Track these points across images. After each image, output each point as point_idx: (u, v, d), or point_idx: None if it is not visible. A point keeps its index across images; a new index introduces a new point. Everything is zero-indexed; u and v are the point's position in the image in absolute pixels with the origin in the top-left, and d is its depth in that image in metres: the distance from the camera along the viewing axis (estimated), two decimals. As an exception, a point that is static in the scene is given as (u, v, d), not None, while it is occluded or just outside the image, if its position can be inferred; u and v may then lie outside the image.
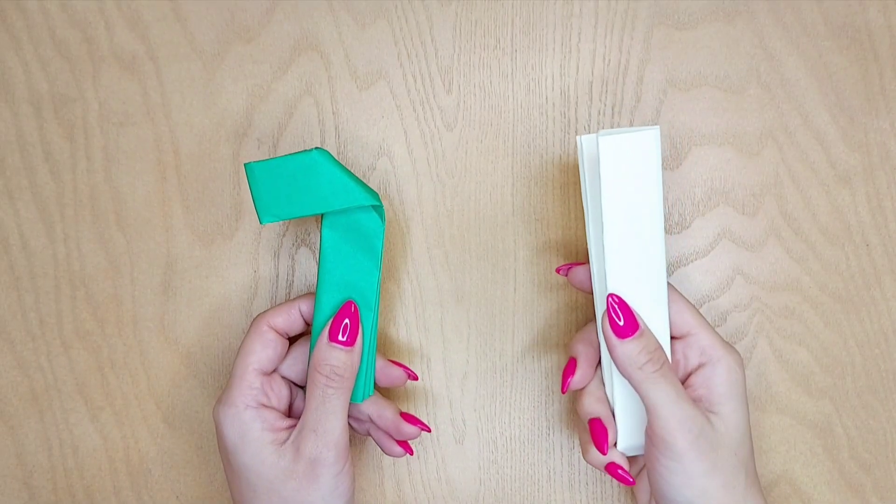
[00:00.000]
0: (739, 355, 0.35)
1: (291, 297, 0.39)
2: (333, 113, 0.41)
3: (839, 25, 0.41)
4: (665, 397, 0.32)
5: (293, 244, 0.41)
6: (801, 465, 0.41)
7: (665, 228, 0.33)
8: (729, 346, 0.35)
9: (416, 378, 0.38)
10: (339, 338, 0.34)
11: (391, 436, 0.37)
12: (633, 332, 0.32)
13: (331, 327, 0.34)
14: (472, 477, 0.41)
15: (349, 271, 0.34)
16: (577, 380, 0.35)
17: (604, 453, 0.34)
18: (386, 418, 0.37)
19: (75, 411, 0.41)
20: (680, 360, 0.35)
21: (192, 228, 0.41)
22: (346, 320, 0.34)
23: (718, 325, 0.41)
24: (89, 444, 0.41)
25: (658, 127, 0.32)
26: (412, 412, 0.41)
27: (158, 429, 0.41)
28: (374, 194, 0.34)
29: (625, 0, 0.41)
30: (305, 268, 0.41)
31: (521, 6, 0.41)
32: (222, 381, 0.41)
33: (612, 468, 0.34)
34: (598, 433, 0.34)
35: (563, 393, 0.36)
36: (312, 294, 0.36)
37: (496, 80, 0.41)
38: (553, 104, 0.41)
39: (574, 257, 0.41)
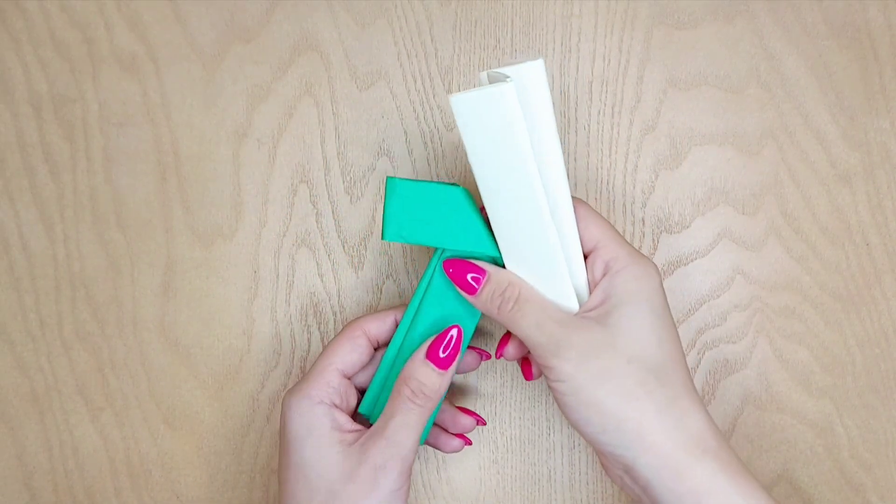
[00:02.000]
0: (654, 266, 0.33)
1: (384, 308, 0.39)
2: (333, 113, 0.41)
3: (839, 25, 0.41)
4: (527, 325, 0.32)
5: (293, 244, 0.41)
6: (801, 465, 0.41)
7: (566, 162, 0.33)
8: (640, 256, 0.33)
9: (483, 423, 0.38)
10: (440, 355, 0.33)
11: (446, 430, 0.37)
12: (479, 285, 0.33)
13: (431, 344, 0.33)
14: (472, 477, 0.41)
15: (450, 312, 0.34)
16: (510, 352, 0.36)
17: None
18: (443, 412, 0.37)
19: (76, 412, 0.41)
20: (588, 276, 0.34)
21: (192, 229, 0.41)
22: (450, 342, 0.33)
23: (718, 325, 0.41)
24: (90, 445, 0.41)
25: (539, 60, 0.30)
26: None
27: (159, 429, 0.41)
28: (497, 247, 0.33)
29: (625, 0, 0.41)
30: (305, 268, 0.41)
31: (521, 6, 0.41)
32: (222, 382, 0.41)
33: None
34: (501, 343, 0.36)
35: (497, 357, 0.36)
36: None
37: (496, 80, 0.41)
38: (553, 104, 0.41)
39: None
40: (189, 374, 0.41)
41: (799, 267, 0.41)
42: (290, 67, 0.41)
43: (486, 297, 0.33)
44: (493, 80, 0.31)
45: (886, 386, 0.41)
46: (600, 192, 0.41)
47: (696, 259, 0.41)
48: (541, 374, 0.35)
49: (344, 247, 0.41)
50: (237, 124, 0.41)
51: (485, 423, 0.38)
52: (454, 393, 0.42)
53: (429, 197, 0.32)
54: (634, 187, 0.41)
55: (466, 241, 0.33)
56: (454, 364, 0.33)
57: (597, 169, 0.41)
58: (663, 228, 0.41)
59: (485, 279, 0.33)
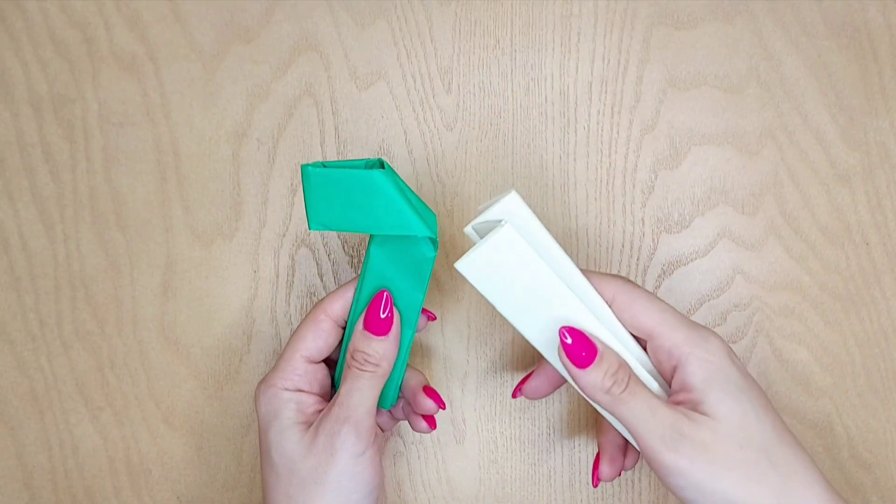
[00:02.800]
0: (718, 340, 0.32)
1: (341, 284, 0.38)
2: (333, 113, 0.41)
3: (839, 25, 0.41)
4: (638, 415, 0.31)
5: (293, 244, 0.41)
6: (802, 465, 0.41)
7: (577, 266, 0.33)
8: (699, 334, 0.32)
9: (443, 407, 0.37)
10: (378, 320, 0.33)
11: (412, 407, 0.37)
12: (592, 359, 0.31)
13: (366, 315, 0.33)
14: (472, 477, 0.41)
15: (392, 290, 0.34)
16: (605, 472, 0.36)
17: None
18: (408, 387, 0.37)
19: (75, 412, 0.41)
20: (655, 365, 0.33)
21: (191, 229, 0.41)
22: (385, 307, 0.33)
23: (718, 325, 0.41)
24: (89, 445, 0.41)
25: (512, 191, 0.31)
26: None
27: (158, 429, 0.41)
28: (431, 223, 0.32)
29: (624, 0, 0.41)
30: (305, 268, 0.41)
31: (521, 6, 0.41)
32: (222, 382, 0.41)
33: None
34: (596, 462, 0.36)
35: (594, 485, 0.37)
36: None
37: (496, 80, 0.41)
38: (553, 104, 0.41)
39: (574, 257, 0.41)
40: (189, 374, 0.41)
41: (799, 267, 0.41)
42: (289, 67, 0.41)
43: (596, 377, 0.31)
44: (481, 230, 0.32)
45: (886, 386, 0.41)
46: (600, 192, 0.41)
47: (695, 259, 0.41)
48: (615, 475, 0.35)
49: (344, 247, 0.41)
50: (237, 124, 0.41)
51: (444, 407, 0.37)
52: (451, 385, 0.41)
53: (347, 184, 0.31)
54: (634, 187, 0.41)
55: (393, 224, 0.31)
56: (393, 328, 0.33)
57: (596, 169, 0.41)
58: (663, 228, 0.41)
59: (597, 356, 0.31)
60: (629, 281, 0.34)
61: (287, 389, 0.34)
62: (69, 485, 0.41)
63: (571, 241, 0.41)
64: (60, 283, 0.41)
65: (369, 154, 0.41)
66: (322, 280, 0.41)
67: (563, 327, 0.32)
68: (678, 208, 0.41)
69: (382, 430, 0.39)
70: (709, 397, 0.30)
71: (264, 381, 0.34)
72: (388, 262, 0.33)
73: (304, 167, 0.31)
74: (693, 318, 0.41)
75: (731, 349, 0.32)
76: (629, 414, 0.31)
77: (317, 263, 0.41)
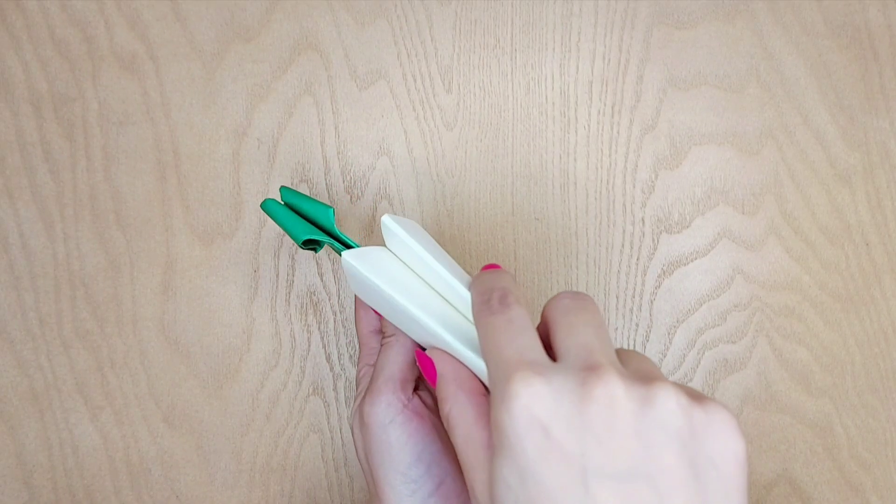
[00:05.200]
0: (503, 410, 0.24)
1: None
2: (333, 112, 0.41)
3: (839, 25, 0.41)
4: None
5: (293, 243, 0.41)
6: (801, 465, 0.41)
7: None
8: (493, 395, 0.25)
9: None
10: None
11: None
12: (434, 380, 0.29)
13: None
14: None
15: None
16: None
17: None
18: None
19: (75, 411, 0.41)
20: None
21: (191, 228, 0.41)
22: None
23: (718, 325, 0.41)
24: (89, 444, 0.41)
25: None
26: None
27: (158, 428, 0.41)
28: (324, 221, 0.33)
29: (624, 0, 0.41)
30: (305, 267, 0.41)
31: (521, 5, 0.41)
32: (222, 381, 0.41)
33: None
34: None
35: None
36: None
37: (496, 80, 0.41)
38: (553, 104, 0.41)
39: (574, 257, 0.41)
40: (189, 373, 0.41)
41: (798, 267, 0.41)
42: (289, 66, 0.41)
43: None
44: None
45: (886, 386, 0.41)
46: (600, 192, 0.41)
47: (695, 259, 0.41)
48: None
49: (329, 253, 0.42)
50: (237, 123, 0.41)
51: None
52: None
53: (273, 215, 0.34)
54: (634, 187, 0.41)
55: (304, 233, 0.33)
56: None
57: (597, 169, 0.41)
58: (663, 228, 0.41)
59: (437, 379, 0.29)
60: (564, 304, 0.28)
61: (369, 365, 0.34)
62: (69, 484, 0.41)
63: (571, 242, 0.41)
64: (60, 282, 0.41)
65: (369, 153, 0.41)
66: (322, 280, 0.41)
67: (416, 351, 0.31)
68: (678, 208, 0.41)
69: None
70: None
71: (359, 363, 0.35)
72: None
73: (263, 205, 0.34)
74: (693, 318, 0.41)
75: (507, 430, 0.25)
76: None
77: (317, 263, 0.41)
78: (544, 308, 0.27)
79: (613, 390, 0.22)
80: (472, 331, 0.30)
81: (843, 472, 0.41)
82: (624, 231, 0.41)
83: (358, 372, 0.35)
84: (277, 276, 0.41)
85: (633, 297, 0.41)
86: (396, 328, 0.33)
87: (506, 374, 0.23)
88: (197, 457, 0.42)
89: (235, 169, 0.41)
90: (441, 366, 0.28)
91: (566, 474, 0.22)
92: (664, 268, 0.41)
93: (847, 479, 0.41)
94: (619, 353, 0.26)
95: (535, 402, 0.22)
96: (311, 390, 0.41)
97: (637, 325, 0.41)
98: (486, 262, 0.41)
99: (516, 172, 0.41)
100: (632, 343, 0.41)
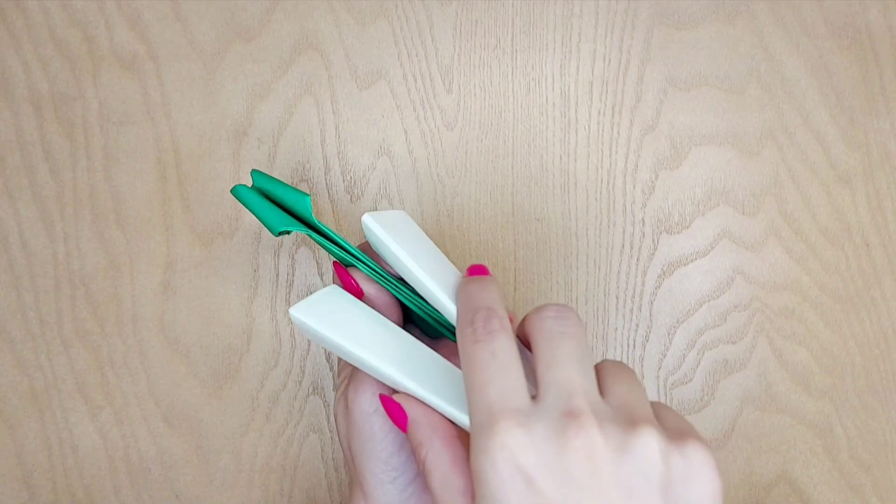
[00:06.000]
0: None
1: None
2: (333, 112, 0.41)
3: (839, 26, 0.41)
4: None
5: (293, 243, 0.41)
6: (801, 465, 0.41)
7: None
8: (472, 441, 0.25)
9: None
10: (354, 293, 0.32)
11: None
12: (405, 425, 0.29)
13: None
14: (471, 477, 0.41)
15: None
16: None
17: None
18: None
19: (75, 410, 0.41)
20: None
21: (191, 228, 0.41)
22: (349, 282, 0.32)
23: (718, 325, 0.41)
24: (89, 444, 0.41)
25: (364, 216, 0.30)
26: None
27: (158, 428, 0.41)
28: (300, 208, 0.31)
29: (625, 0, 0.41)
30: (305, 267, 0.41)
31: (522, 6, 0.41)
32: (222, 381, 0.41)
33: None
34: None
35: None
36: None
37: (496, 80, 0.41)
38: (553, 104, 0.41)
39: (574, 257, 0.41)
40: (188, 373, 0.41)
41: (799, 267, 0.41)
42: (290, 66, 0.41)
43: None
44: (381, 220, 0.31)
45: (886, 387, 0.41)
46: (600, 193, 0.41)
47: (696, 259, 0.41)
48: None
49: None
50: (237, 123, 0.41)
51: None
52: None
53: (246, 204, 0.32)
54: (635, 187, 0.41)
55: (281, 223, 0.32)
56: (365, 289, 0.31)
57: (597, 169, 0.41)
58: (663, 229, 0.41)
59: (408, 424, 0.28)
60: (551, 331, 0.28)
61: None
62: (68, 483, 0.41)
63: (571, 242, 0.41)
64: (60, 282, 0.41)
65: (370, 153, 0.41)
66: (322, 279, 0.41)
67: (380, 395, 0.30)
68: (678, 209, 0.41)
69: None
70: None
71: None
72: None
73: (233, 190, 0.32)
74: (693, 318, 0.41)
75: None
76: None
77: (317, 263, 0.41)
78: (526, 320, 0.27)
79: (592, 439, 0.23)
80: (440, 375, 0.29)
81: (842, 472, 0.41)
82: (624, 231, 0.41)
83: (340, 359, 0.34)
84: (277, 276, 0.41)
85: (633, 297, 0.41)
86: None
87: (488, 421, 0.23)
88: (197, 457, 0.42)
89: (236, 169, 0.41)
90: (412, 412, 0.28)
91: None
92: (664, 268, 0.41)
93: (847, 480, 0.41)
94: (604, 367, 0.26)
95: (518, 452, 0.22)
96: (310, 390, 0.41)
97: (637, 325, 0.41)
98: (487, 262, 0.41)
99: (516, 173, 0.41)
100: (632, 343, 0.42)
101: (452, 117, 0.41)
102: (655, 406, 0.26)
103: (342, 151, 0.41)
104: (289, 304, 0.41)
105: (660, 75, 0.41)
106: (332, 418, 0.41)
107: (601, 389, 0.26)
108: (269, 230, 0.31)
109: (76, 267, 0.41)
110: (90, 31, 0.41)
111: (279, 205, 0.32)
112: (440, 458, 0.26)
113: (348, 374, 0.33)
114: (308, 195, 0.31)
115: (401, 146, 0.41)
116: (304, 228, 0.31)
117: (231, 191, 0.32)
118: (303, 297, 0.41)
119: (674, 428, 0.25)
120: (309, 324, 0.29)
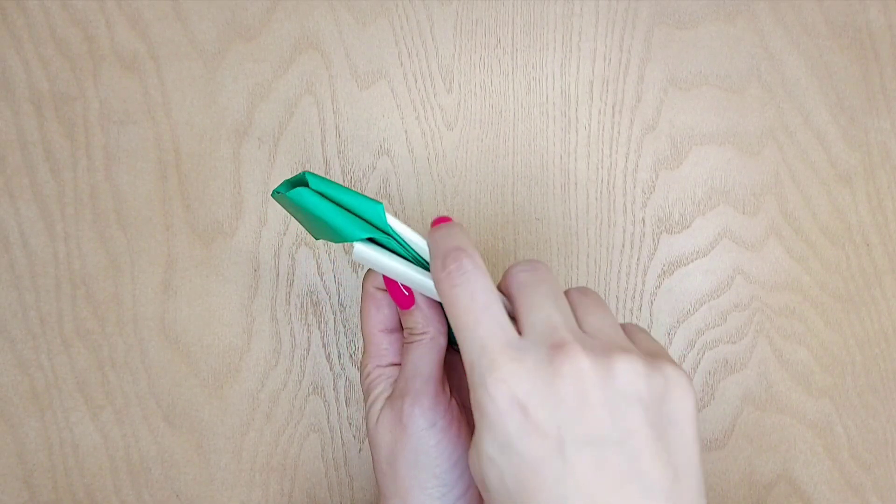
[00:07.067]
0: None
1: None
2: (334, 112, 0.41)
3: (840, 25, 0.41)
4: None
5: (293, 243, 0.41)
6: (801, 465, 0.41)
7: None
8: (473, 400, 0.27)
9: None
10: (401, 302, 0.32)
11: None
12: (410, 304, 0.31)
13: (391, 296, 0.32)
14: (472, 476, 0.41)
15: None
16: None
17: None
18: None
19: (76, 410, 0.41)
20: None
21: (192, 227, 0.41)
22: (400, 288, 0.32)
23: (718, 325, 0.41)
24: (90, 443, 0.41)
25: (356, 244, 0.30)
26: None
27: (159, 427, 0.41)
28: (372, 216, 0.30)
29: (625, 0, 0.41)
30: (305, 267, 0.41)
31: (522, 5, 0.41)
32: (222, 380, 0.41)
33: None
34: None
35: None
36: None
37: (497, 79, 0.41)
38: (554, 103, 0.41)
39: (574, 257, 0.41)
40: (189, 372, 0.41)
41: (799, 267, 0.41)
42: (290, 66, 0.41)
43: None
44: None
45: (886, 386, 0.41)
46: (601, 192, 0.41)
47: (696, 259, 0.41)
48: None
49: (343, 246, 0.42)
50: (238, 122, 0.41)
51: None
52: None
53: (287, 204, 0.30)
54: (635, 187, 0.41)
55: (335, 235, 0.30)
56: (416, 298, 0.32)
57: (597, 168, 0.41)
58: (663, 228, 0.41)
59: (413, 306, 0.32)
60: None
61: (380, 366, 0.33)
62: (69, 483, 0.41)
63: (572, 241, 0.41)
64: (61, 282, 0.41)
65: (370, 153, 0.41)
66: (322, 279, 0.41)
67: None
68: (679, 208, 0.41)
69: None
70: None
71: (360, 367, 0.34)
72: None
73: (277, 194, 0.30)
74: (693, 318, 0.41)
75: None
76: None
77: (317, 262, 0.41)
78: (502, 280, 0.29)
79: (580, 365, 0.24)
80: None
81: (843, 472, 0.41)
82: (624, 231, 0.41)
83: (364, 372, 0.34)
84: (277, 275, 0.41)
85: (634, 297, 0.41)
86: (423, 323, 0.32)
87: (482, 357, 0.25)
88: (197, 456, 0.42)
89: (236, 168, 0.41)
90: (419, 299, 0.31)
91: (545, 447, 0.24)
92: (664, 268, 0.41)
93: (847, 480, 0.41)
94: (574, 297, 0.28)
95: (513, 384, 0.24)
96: (311, 390, 0.41)
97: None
98: (487, 262, 0.41)
99: (517, 172, 0.41)
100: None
101: (453, 117, 0.41)
102: (626, 328, 0.28)
103: (342, 151, 0.41)
104: (289, 304, 0.41)
105: (660, 74, 0.41)
106: (332, 418, 0.41)
107: (576, 321, 0.27)
108: (338, 239, 0.29)
109: (77, 266, 0.41)
110: (91, 30, 0.41)
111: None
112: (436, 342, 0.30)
113: (383, 390, 0.33)
114: (380, 202, 0.30)
115: (401, 146, 0.41)
116: (380, 234, 0.30)
117: (288, 194, 0.28)
118: (303, 297, 0.41)
119: (647, 349, 0.27)
120: (374, 255, 0.29)
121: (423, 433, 0.31)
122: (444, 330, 0.33)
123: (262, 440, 0.41)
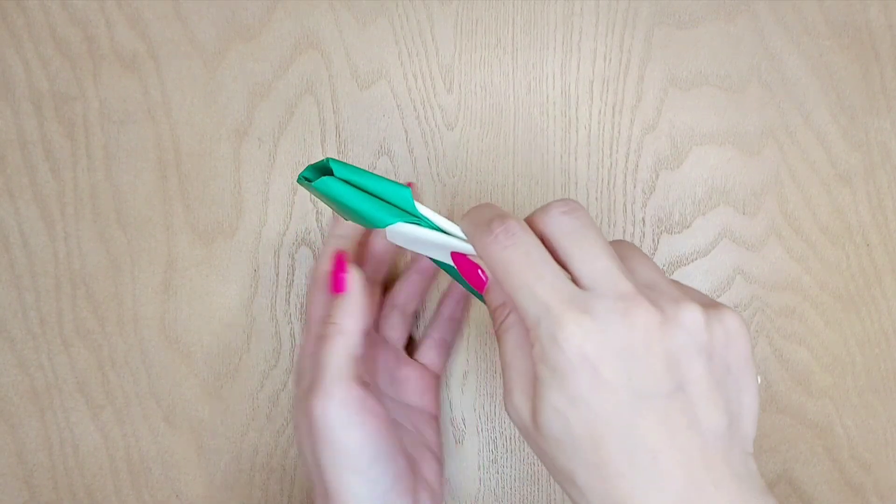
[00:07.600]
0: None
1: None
2: (334, 112, 0.41)
3: (840, 24, 0.41)
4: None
5: (293, 243, 0.41)
6: (801, 465, 0.41)
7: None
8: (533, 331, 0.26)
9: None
10: (335, 284, 0.32)
11: None
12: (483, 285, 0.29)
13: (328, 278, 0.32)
14: (472, 477, 0.41)
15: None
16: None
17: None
18: None
19: (76, 410, 0.41)
20: None
21: (192, 227, 0.41)
22: (339, 269, 0.32)
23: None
24: (90, 443, 0.41)
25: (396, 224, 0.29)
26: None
27: (159, 427, 0.41)
28: (399, 200, 0.29)
29: (626, -1, 0.41)
30: (305, 267, 0.41)
31: (522, 5, 0.41)
32: (223, 380, 0.41)
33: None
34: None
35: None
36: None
37: (497, 79, 0.41)
38: (554, 103, 0.41)
39: (574, 256, 0.41)
40: (189, 373, 0.41)
41: (799, 267, 0.41)
42: (290, 66, 0.41)
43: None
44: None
45: (886, 386, 0.41)
46: (601, 192, 0.41)
47: (696, 259, 0.41)
48: None
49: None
50: (238, 122, 0.41)
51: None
52: (451, 385, 0.41)
53: (317, 192, 0.29)
54: (635, 187, 0.41)
55: (366, 220, 0.30)
56: (351, 285, 0.32)
57: (597, 168, 0.41)
58: (664, 228, 0.41)
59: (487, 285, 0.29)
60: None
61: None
62: (69, 483, 0.41)
63: (572, 241, 0.41)
64: (61, 281, 0.41)
65: (370, 153, 0.41)
66: (322, 279, 0.41)
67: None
68: (679, 208, 0.41)
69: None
70: None
71: (300, 352, 0.34)
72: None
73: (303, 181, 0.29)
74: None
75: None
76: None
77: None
78: (537, 222, 0.27)
79: (650, 316, 0.24)
80: None
81: (843, 472, 0.41)
82: (625, 231, 0.41)
83: (300, 360, 0.32)
84: (277, 275, 0.41)
85: (634, 296, 0.41)
86: (341, 314, 0.31)
87: (548, 313, 0.24)
88: (197, 456, 0.42)
89: (236, 168, 0.41)
90: (489, 274, 0.28)
91: (615, 400, 0.24)
92: (665, 268, 0.41)
93: (847, 480, 0.41)
94: (618, 250, 0.27)
95: (585, 340, 0.24)
96: (311, 390, 0.41)
97: (637, 324, 0.41)
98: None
99: (517, 172, 0.41)
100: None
101: (453, 117, 0.41)
102: (675, 283, 0.28)
103: (343, 151, 0.41)
104: (289, 305, 0.41)
105: (660, 74, 0.41)
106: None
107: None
108: (367, 225, 0.29)
109: (77, 266, 0.41)
110: (91, 30, 0.41)
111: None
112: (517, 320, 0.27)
113: (310, 381, 0.32)
114: (408, 187, 0.29)
115: (401, 146, 0.41)
116: (410, 218, 0.29)
117: (314, 184, 0.28)
118: (303, 297, 0.41)
119: (701, 300, 0.26)
120: (410, 229, 0.29)
121: (337, 431, 0.30)
122: (361, 327, 0.32)
123: (262, 440, 0.41)
